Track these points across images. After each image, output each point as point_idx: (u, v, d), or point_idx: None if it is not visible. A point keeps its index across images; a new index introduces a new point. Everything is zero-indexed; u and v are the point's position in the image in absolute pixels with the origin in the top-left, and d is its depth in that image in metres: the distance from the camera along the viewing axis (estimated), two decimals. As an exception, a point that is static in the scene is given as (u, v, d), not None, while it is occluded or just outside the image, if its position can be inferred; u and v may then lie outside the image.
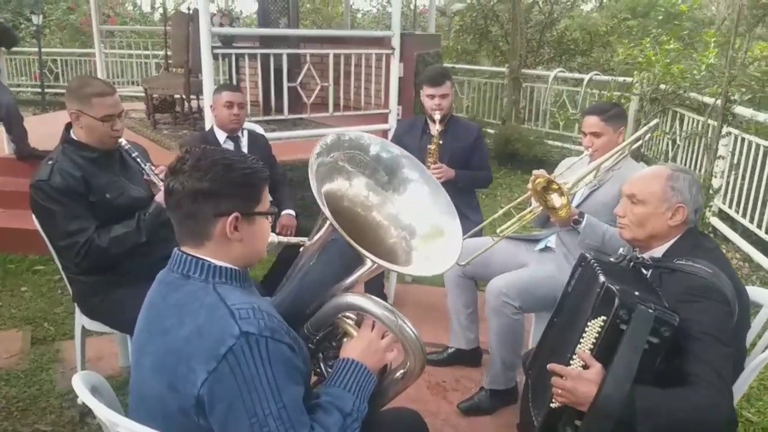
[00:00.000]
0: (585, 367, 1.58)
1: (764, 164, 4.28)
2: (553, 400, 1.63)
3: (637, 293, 1.56)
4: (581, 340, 1.61)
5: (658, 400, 1.51)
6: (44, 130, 4.92)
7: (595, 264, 1.72)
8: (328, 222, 1.40)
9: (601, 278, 1.63)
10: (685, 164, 5.49)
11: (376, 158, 1.59)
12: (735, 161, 4.69)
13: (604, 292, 1.59)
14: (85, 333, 2.59)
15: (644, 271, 1.79)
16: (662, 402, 1.51)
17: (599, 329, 1.58)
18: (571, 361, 1.62)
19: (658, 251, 1.82)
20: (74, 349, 2.68)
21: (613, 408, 1.49)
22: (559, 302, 1.91)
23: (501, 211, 2.75)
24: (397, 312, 1.45)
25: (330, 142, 1.51)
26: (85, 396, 1.34)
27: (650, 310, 1.51)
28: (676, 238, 1.81)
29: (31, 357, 3.00)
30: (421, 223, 1.59)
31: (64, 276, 2.47)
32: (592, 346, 1.59)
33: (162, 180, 2.35)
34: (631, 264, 1.80)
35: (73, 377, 1.40)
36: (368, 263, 1.42)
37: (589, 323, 1.60)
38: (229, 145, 3.26)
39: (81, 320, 2.52)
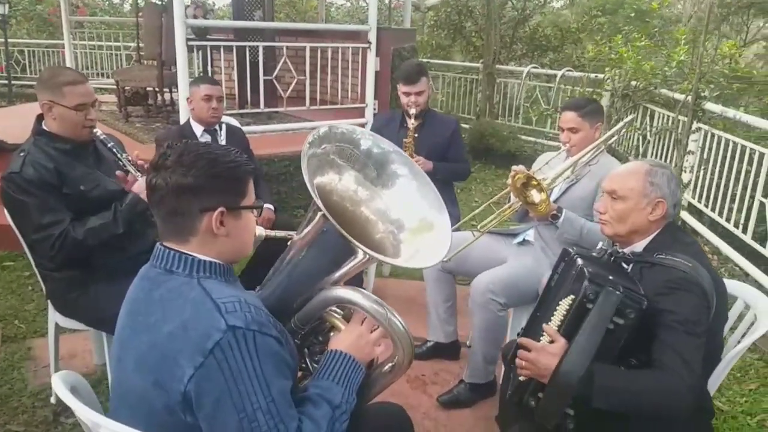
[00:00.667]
0: (552, 342, 1.62)
1: (733, 159, 4.38)
2: (519, 373, 1.67)
3: (611, 277, 1.59)
4: (551, 318, 1.66)
5: (617, 379, 1.54)
6: (11, 123, 4.80)
7: (577, 256, 1.75)
8: (318, 215, 1.38)
9: (579, 261, 1.68)
10: (656, 159, 5.59)
11: (367, 153, 1.58)
12: (704, 156, 4.79)
13: (578, 273, 1.64)
14: (59, 330, 2.53)
15: (625, 265, 1.81)
16: (621, 381, 1.55)
17: (567, 307, 1.63)
18: (540, 338, 1.67)
19: (639, 246, 1.85)
20: (46, 346, 2.62)
21: (571, 381, 1.52)
22: (541, 297, 1.94)
23: (481, 207, 2.77)
24: (386, 306, 1.44)
25: (322, 134, 1.50)
26: (65, 396, 1.30)
27: (617, 291, 1.54)
28: (656, 233, 1.83)
29: (1, 355, 2.92)
30: (410, 217, 1.59)
31: (36, 273, 2.40)
32: (559, 323, 1.64)
33: (138, 170, 2.30)
34: (612, 258, 1.82)
35: (52, 377, 1.36)
36: (359, 256, 1.41)
37: (560, 302, 1.66)
38: (207, 139, 3.20)
39: (54, 317, 2.46)
